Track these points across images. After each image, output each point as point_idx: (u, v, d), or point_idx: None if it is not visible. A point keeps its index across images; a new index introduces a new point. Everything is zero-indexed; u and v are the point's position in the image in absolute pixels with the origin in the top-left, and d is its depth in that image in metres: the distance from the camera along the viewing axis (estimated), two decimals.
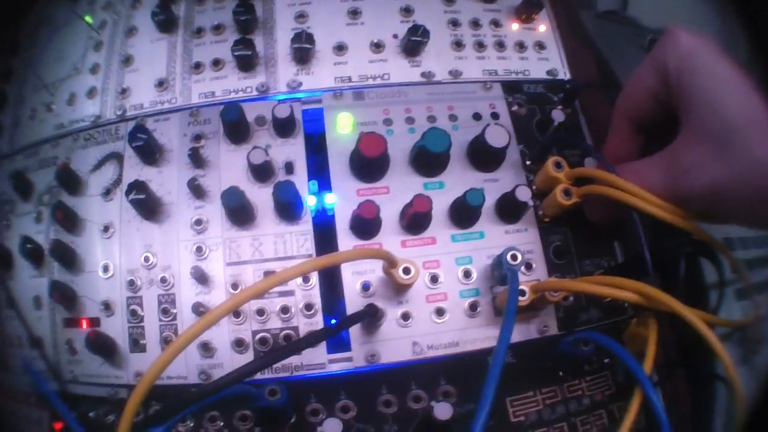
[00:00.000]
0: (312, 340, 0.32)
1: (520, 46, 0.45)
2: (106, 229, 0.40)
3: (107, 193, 0.41)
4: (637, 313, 0.39)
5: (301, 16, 0.44)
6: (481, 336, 0.38)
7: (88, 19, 0.48)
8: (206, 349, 0.37)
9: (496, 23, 0.45)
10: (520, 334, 0.39)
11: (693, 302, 0.44)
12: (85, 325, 0.41)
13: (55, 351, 0.41)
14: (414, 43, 0.42)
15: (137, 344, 0.39)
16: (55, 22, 0.51)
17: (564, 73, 0.46)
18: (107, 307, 0.39)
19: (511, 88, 0.44)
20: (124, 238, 0.40)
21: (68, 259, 0.41)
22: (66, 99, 0.46)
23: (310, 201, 0.40)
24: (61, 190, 0.43)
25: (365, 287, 0.37)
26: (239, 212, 0.37)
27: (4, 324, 0.44)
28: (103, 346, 0.38)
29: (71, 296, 0.40)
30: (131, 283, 0.39)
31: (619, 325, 0.41)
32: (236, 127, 0.39)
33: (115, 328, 0.39)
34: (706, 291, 0.45)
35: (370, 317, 0.34)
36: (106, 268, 0.40)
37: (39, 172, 0.45)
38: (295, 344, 0.30)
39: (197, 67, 0.43)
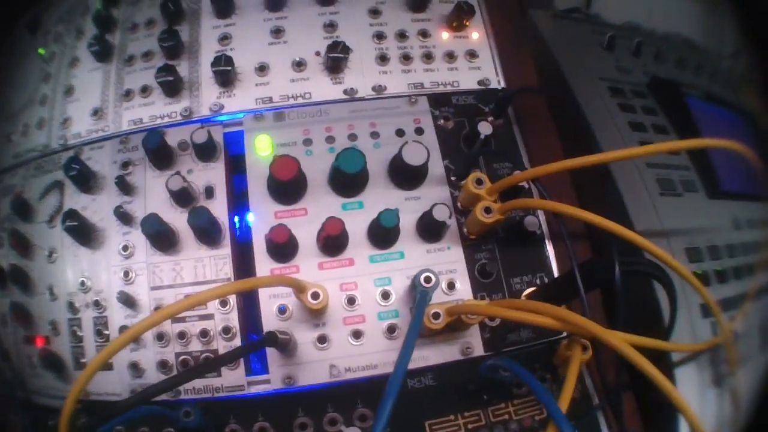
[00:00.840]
0: (201, 370, 0.33)
1: (450, 56, 0.43)
2: (50, 254, 0.43)
3: (51, 220, 0.44)
4: (569, 334, 0.38)
5: (224, 38, 0.44)
6: None
7: (41, 51, 0.50)
8: (136, 369, 0.39)
9: (424, 34, 0.44)
10: (441, 355, 0.38)
11: (644, 323, 0.41)
12: (39, 342, 0.44)
13: (19, 364, 0.45)
14: (334, 60, 0.41)
15: (79, 363, 0.41)
16: (16, 53, 0.54)
17: (498, 82, 0.44)
18: (54, 327, 0.42)
19: (439, 100, 0.42)
20: (65, 263, 0.42)
21: (23, 282, 0.44)
22: (21, 129, 0.49)
23: (240, 214, 0.40)
24: (15, 218, 0.45)
25: (281, 310, 0.38)
26: (159, 238, 0.39)
27: None
28: (52, 363, 0.41)
29: (27, 316, 0.43)
30: (71, 305, 0.41)
31: (553, 346, 0.40)
32: (159, 154, 0.40)
33: (62, 346, 0.42)
34: (660, 311, 0.42)
35: (271, 344, 0.34)
36: (51, 291, 0.42)
37: (1, 200, 0.48)
38: (182, 375, 0.31)
39: (127, 94, 0.44)
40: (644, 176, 0.46)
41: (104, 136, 0.44)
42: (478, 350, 0.38)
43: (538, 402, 0.39)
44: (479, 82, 0.43)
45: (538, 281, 0.40)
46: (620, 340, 0.32)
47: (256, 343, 0.34)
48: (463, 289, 0.39)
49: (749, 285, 0.46)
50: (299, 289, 0.34)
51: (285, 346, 0.35)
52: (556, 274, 0.41)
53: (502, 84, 0.44)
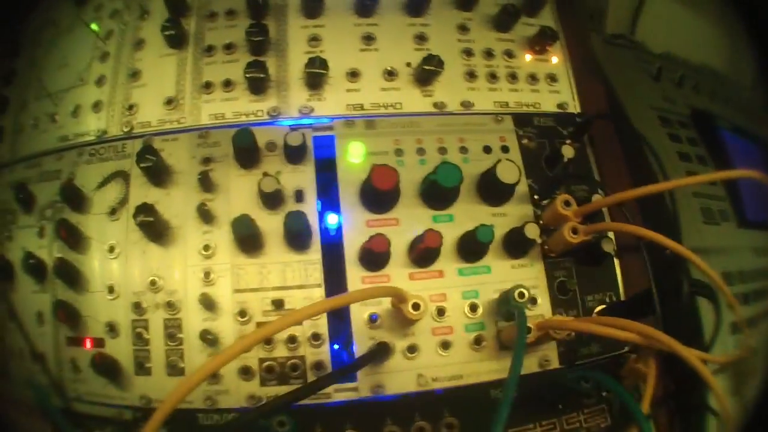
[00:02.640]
0: (327, 381, 0.32)
1: (532, 77, 0.45)
2: (111, 249, 0.40)
3: (113, 212, 0.41)
4: (635, 349, 0.41)
5: (314, 39, 0.43)
6: (485, 369, 0.39)
7: (94, 26, 0.47)
8: (213, 375, 0.37)
9: (509, 54, 0.45)
10: (523, 367, 0.39)
11: (687, 337, 0.45)
12: (88, 344, 0.41)
13: (58, 368, 0.41)
14: (427, 73, 0.42)
15: (142, 367, 0.39)
16: (59, 25, 0.49)
17: (574, 107, 0.46)
18: (112, 328, 0.39)
19: (522, 121, 0.44)
20: (130, 260, 0.39)
21: (72, 278, 0.41)
22: (71, 111, 0.45)
23: (332, 220, 0.40)
24: (65, 207, 0.42)
25: (373, 319, 0.38)
26: (249, 240, 0.37)
27: (6, 336, 0.44)
28: (108, 368, 0.39)
29: (75, 316, 0.40)
30: (137, 305, 0.39)
31: (617, 358, 0.42)
32: (247, 152, 0.39)
33: (120, 349, 0.39)
34: (701, 327, 0.46)
35: (383, 356, 0.34)
36: (111, 290, 0.40)
37: (41, 184, 0.44)
38: (312, 385, 0.31)
39: (207, 86, 0.42)
40: (691, 205, 0.50)
41: (180, 129, 0.41)
42: (554, 363, 0.40)
43: (603, 411, 0.42)
44: (558, 106, 0.45)
45: (607, 299, 0.43)
46: (696, 358, 0.35)
47: (373, 353, 0.35)
48: (544, 305, 0.41)
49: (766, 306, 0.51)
50: (401, 299, 0.34)
51: (390, 356, 0.35)
52: (622, 292, 0.44)
53: (578, 109, 0.46)
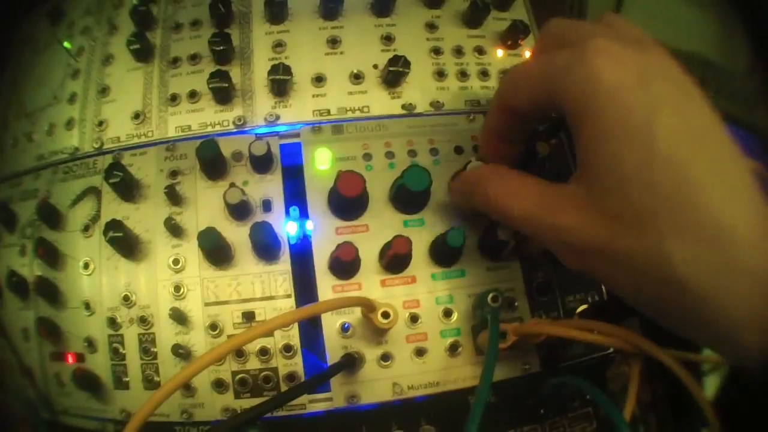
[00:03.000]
0: (291, 395, 0.32)
1: (504, 74, 0.44)
2: (86, 265, 0.40)
3: (86, 229, 0.41)
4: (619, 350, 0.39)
5: (278, 45, 0.42)
6: (462, 375, 0.38)
7: (66, 44, 0.47)
8: (187, 388, 0.38)
9: (480, 50, 0.44)
10: (501, 372, 0.38)
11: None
12: (70, 359, 0.41)
13: (44, 382, 0.42)
14: (394, 74, 0.41)
15: (120, 381, 0.39)
16: (36, 43, 0.50)
17: None
18: (90, 343, 0.40)
19: None
20: (104, 276, 0.40)
21: (52, 295, 0.41)
22: (46, 129, 0.45)
23: (290, 228, 0.39)
24: (42, 225, 0.43)
25: (345, 328, 0.37)
26: (217, 253, 0.37)
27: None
28: (88, 383, 0.39)
29: (56, 332, 0.41)
30: (112, 321, 0.39)
31: (604, 359, 0.41)
32: (213, 164, 0.39)
33: (99, 364, 0.39)
34: None
35: (349, 367, 0.34)
36: (87, 306, 0.40)
37: (22, 203, 0.45)
38: (274, 400, 0.30)
39: (173, 99, 0.42)
40: None
41: (148, 142, 0.41)
42: (535, 367, 0.39)
43: (588, 415, 0.41)
44: None
45: (589, 299, 0.41)
46: (674, 360, 0.34)
47: (338, 365, 0.34)
48: (522, 307, 0.39)
49: None
50: (370, 309, 0.34)
51: (360, 366, 0.35)
52: (604, 290, 0.42)
53: None
